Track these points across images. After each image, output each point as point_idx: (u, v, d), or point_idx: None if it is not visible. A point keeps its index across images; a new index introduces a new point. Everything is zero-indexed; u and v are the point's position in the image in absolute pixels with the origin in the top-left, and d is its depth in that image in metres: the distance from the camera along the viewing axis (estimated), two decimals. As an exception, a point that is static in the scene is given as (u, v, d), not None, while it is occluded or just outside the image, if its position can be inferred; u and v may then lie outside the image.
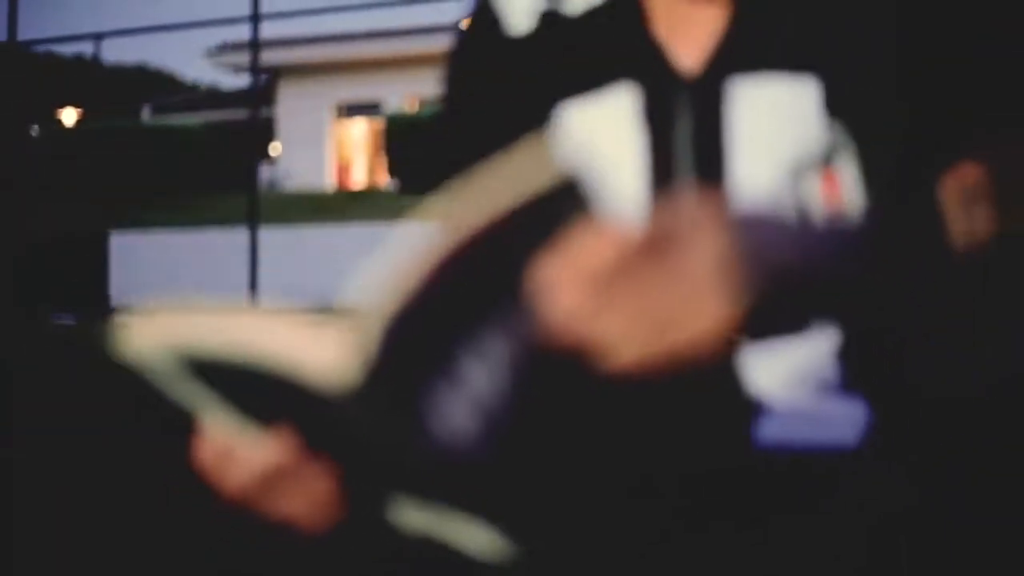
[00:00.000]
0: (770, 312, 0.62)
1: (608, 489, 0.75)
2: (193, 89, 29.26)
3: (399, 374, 0.58)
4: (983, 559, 0.81)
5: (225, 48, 22.84)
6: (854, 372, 0.87)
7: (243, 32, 17.45)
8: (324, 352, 0.58)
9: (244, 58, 22.39)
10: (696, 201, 0.60)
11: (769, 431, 0.87)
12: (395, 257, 0.59)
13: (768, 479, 0.83)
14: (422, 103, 21.67)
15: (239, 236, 14.00)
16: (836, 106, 0.86)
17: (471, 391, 0.60)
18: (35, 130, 19.90)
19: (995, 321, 0.79)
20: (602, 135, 0.91)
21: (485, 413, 0.61)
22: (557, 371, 0.61)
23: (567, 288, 0.57)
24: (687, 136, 0.89)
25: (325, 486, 0.67)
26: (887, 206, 0.86)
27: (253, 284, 12.79)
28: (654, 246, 0.57)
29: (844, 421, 0.87)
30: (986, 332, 0.80)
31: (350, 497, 0.67)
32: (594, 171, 0.70)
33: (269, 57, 16.00)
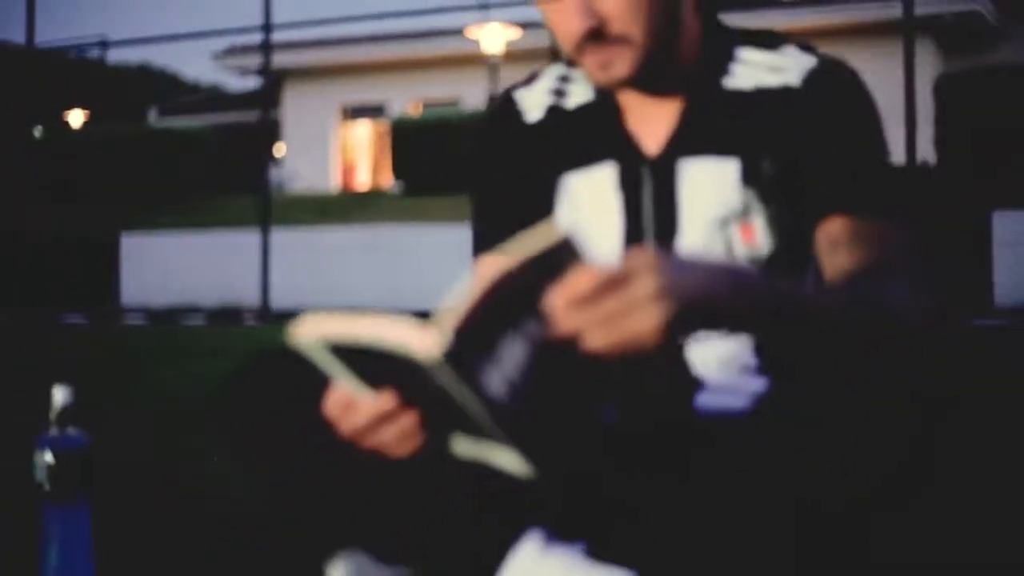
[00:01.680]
0: (696, 321, 1.00)
1: (589, 432, 1.14)
2: (196, 89, 29.33)
3: (462, 357, 0.96)
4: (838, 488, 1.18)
5: (232, 51, 23.01)
6: (765, 359, 1.25)
7: (248, 36, 17.65)
8: (417, 340, 0.96)
9: (250, 61, 22.52)
10: (645, 250, 0.98)
11: (704, 399, 1.26)
12: (459, 284, 0.97)
13: (701, 433, 1.22)
14: (425, 106, 21.90)
15: (247, 238, 14.19)
16: (750, 178, 1.24)
17: (506, 369, 0.98)
18: (40, 132, 19.94)
19: (853, 324, 1.16)
20: (592, 195, 1.30)
21: (513, 383, 0.99)
22: (558, 355, 0.99)
23: (563, 304, 0.95)
24: (650, 197, 1.28)
25: (412, 427, 1.05)
26: (784, 246, 1.25)
27: (264, 285, 13.04)
28: (616, 279, 0.95)
29: (757, 394, 1.25)
30: (848, 332, 1.16)
31: (428, 434, 1.06)
32: (584, 227, 1.08)
33: (275, 60, 16.20)
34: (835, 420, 1.10)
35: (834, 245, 1.20)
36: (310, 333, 1.01)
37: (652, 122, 1.30)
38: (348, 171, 23.66)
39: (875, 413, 1.10)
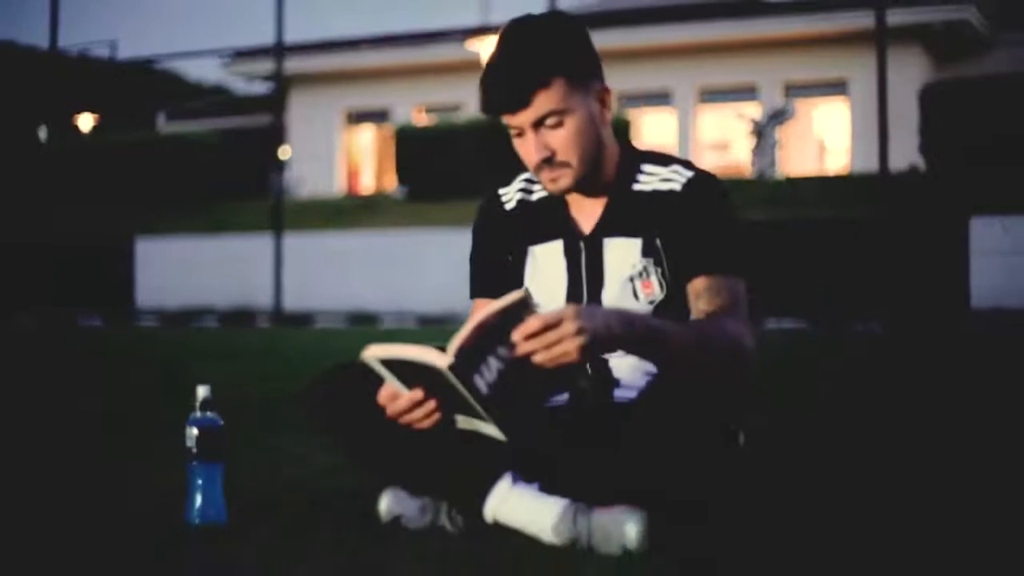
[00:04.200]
0: (602, 347, 1.68)
1: (540, 413, 1.82)
2: (199, 89, 29.68)
3: (462, 368, 1.64)
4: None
5: (239, 56, 23.42)
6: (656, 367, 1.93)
7: (256, 40, 17.88)
8: (436, 357, 1.65)
9: (256, 67, 23.00)
10: (577, 303, 1.66)
11: (618, 392, 1.94)
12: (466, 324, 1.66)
13: (615, 413, 1.89)
14: (428, 111, 22.32)
15: (256, 242, 14.68)
16: (648, 251, 1.93)
17: (487, 375, 1.66)
18: (49, 135, 20.15)
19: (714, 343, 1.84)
20: (547, 260, 1.99)
21: (492, 384, 1.67)
22: (520, 368, 1.67)
23: (521, 337, 1.64)
24: (584, 261, 1.97)
25: (432, 410, 1.74)
26: (670, 294, 1.93)
27: (278, 288, 13.66)
28: (553, 322, 1.63)
29: (653, 387, 1.92)
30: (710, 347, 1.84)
31: (442, 414, 1.74)
32: (542, 281, 1.79)
33: (283, 66, 16.47)
34: (691, 399, 1.79)
35: (698, 295, 1.89)
36: (371, 354, 1.70)
37: (586, 212, 1.99)
38: (353, 175, 23.83)
39: (714, 397, 1.79)
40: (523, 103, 1.86)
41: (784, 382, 4.57)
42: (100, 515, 2.12)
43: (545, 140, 1.89)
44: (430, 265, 13.59)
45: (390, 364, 1.72)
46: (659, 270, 1.93)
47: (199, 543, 1.88)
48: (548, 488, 1.82)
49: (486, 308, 1.67)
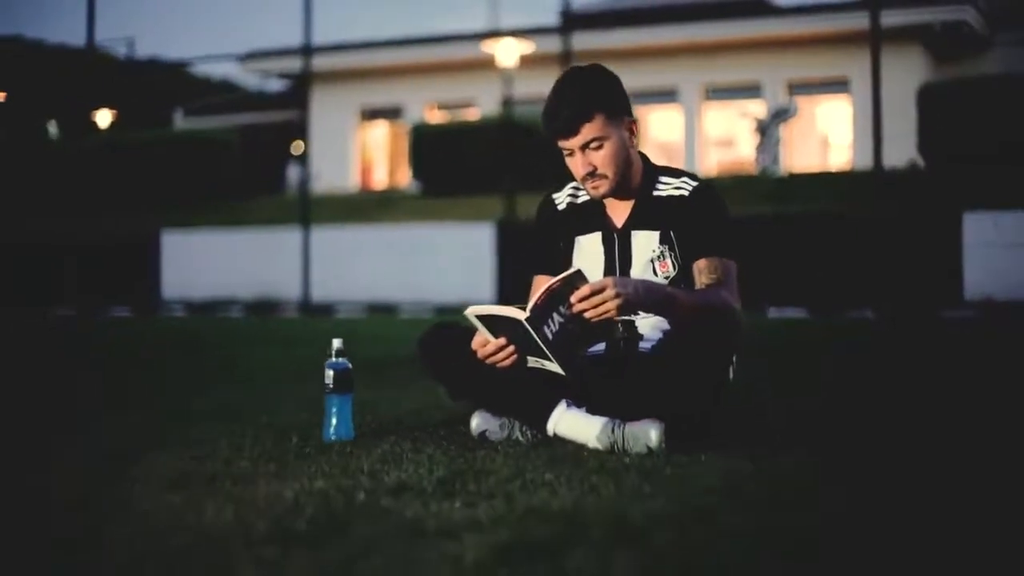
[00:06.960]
0: (632, 308, 2.39)
1: (584, 357, 2.52)
2: (207, 84, 30.04)
3: (535, 320, 2.34)
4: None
5: (254, 55, 23.91)
6: (671, 324, 2.63)
7: (269, 33, 18.25)
8: (518, 313, 2.35)
9: (271, 64, 23.58)
10: (611, 276, 2.37)
11: (642, 344, 2.64)
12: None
13: (641, 359, 2.60)
14: (440, 108, 22.83)
15: (279, 236, 15.19)
16: (664, 240, 2.64)
17: (552, 326, 2.36)
18: (60, 131, 20.30)
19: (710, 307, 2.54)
20: (589, 247, 2.71)
21: (556, 333, 2.37)
22: (574, 323, 2.36)
23: (576, 300, 2.33)
24: (617, 248, 2.67)
25: (512, 352, 2.44)
26: (681, 272, 2.64)
27: (305, 280, 14.27)
28: (598, 288, 2.33)
29: (667, 338, 2.62)
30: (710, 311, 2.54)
31: (518, 356, 2.44)
32: (585, 262, 2.51)
33: (299, 64, 16.82)
34: (694, 346, 2.48)
35: (699, 272, 2.60)
36: (470, 311, 2.41)
37: (618, 211, 2.70)
38: (366, 170, 24.32)
39: (711, 345, 2.48)
40: (574, 132, 2.56)
41: (786, 367, 5.02)
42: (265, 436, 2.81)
43: (589, 159, 2.59)
44: (445, 258, 14.16)
45: (483, 318, 2.42)
46: (673, 254, 2.64)
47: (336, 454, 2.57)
48: (592, 409, 2.53)
49: (551, 280, 2.37)
